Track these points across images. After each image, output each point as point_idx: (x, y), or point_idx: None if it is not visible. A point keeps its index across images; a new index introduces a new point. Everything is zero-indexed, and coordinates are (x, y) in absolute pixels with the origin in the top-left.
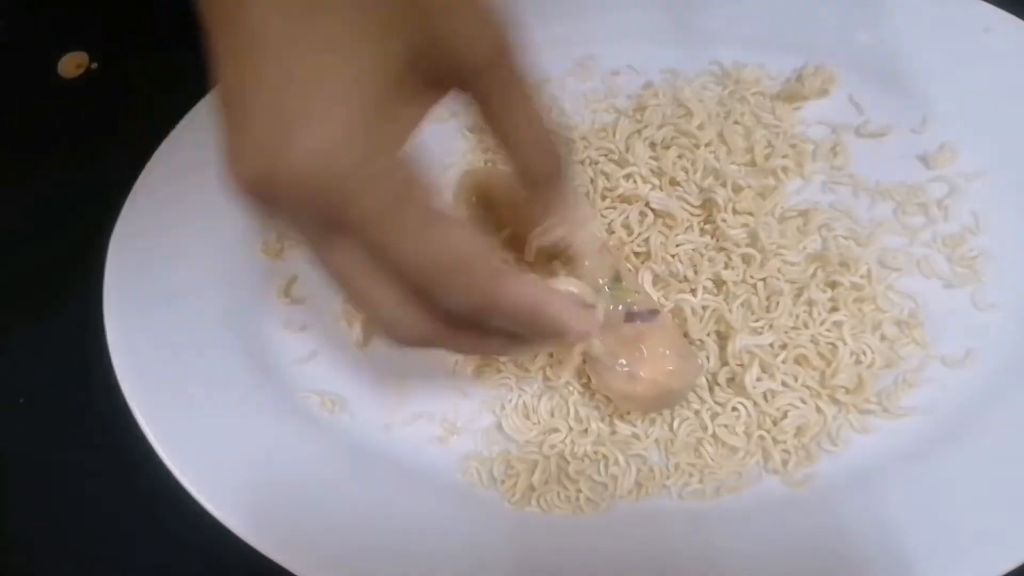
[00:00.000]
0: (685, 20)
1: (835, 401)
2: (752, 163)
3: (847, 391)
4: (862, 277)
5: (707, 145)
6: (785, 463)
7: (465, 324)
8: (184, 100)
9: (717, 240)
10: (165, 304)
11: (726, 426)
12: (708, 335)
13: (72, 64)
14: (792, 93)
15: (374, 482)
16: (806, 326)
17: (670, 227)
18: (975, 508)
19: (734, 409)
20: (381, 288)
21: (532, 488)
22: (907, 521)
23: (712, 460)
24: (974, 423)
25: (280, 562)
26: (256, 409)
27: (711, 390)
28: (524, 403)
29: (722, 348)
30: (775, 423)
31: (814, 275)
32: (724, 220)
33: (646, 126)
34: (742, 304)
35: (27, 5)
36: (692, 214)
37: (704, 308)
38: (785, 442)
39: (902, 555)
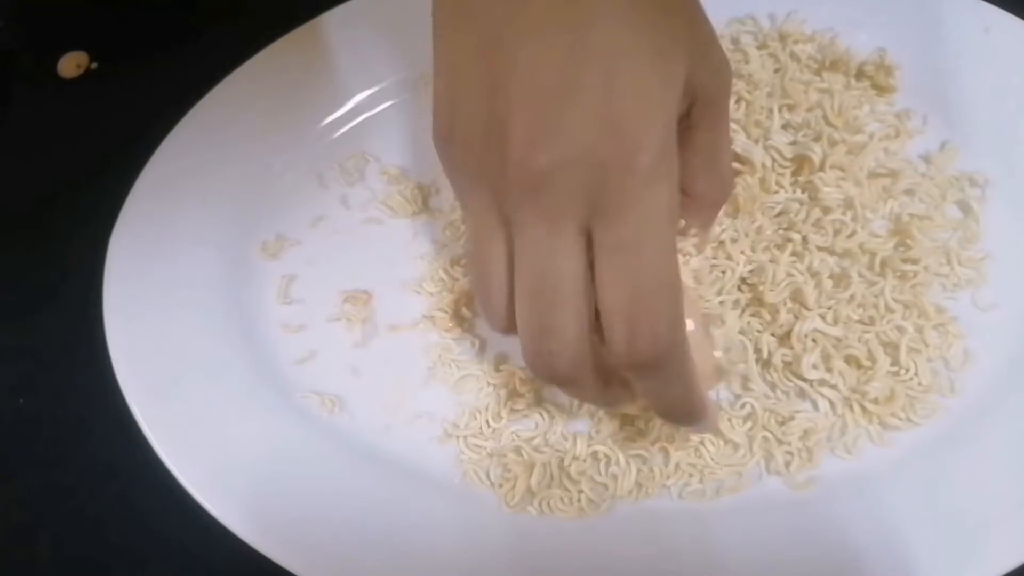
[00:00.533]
0: None
1: (864, 410)
2: (827, 120)
3: (877, 402)
4: (925, 268)
5: (769, 94)
6: (788, 464)
7: (635, 370)
8: (184, 100)
9: (810, 199)
10: (165, 304)
11: (729, 420)
12: (784, 303)
13: (72, 64)
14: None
15: (374, 482)
16: (872, 322)
17: (758, 179)
18: (976, 509)
19: (742, 406)
20: (575, 301)
21: (531, 491)
22: (907, 522)
23: (713, 460)
24: (975, 424)
25: (279, 561)
26: (256, 409)
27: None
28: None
29: (770, 322)
30: (781, 424)
31: (896, 247)
32: (821, 179)
33: None
34: (818, 283)
35: (26, 5)
36: (781, 166)
37: (789, 275)
38: (790, 443)
39: (902, 555)
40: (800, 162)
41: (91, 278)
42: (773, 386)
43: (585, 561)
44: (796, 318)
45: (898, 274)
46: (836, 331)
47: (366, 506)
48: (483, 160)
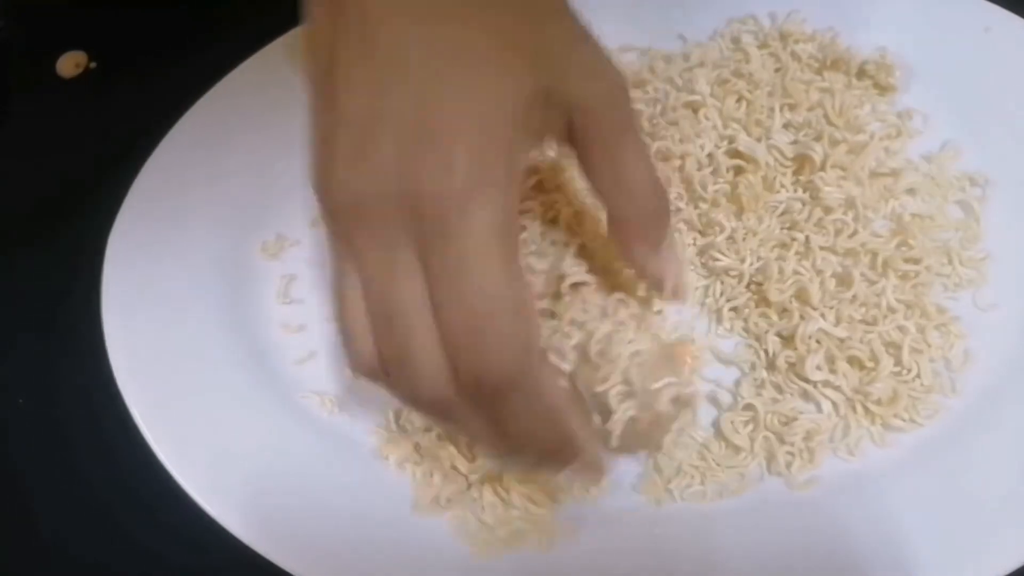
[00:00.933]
0: None
1: (867, 411)
2: (828, 119)
3: (879, 403)
4: (927, 268)
5: (770, 94)
6: (789, 465)
7: (480, 399)
8: (183, 99)
9: (812, 199)
10: (164, 304)
11: (732, 423)
12: (790, 302)
13: (71, 63)
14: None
15: (373, 483)
16: (875, 322)
17: (760, 177)
18: (976, 509)
19: (746, 407)
20: (422, 327)
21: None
22: (908, 522)
23: (715, 463)
24: (975, 424)
25: (277, 562)
26: (255, 409)
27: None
28: None
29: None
30: (784, 424)
31: (897, 247)
32: (822, 178)
33: (701, 64)
34: (822, 282)
35: (25, 4)
36: (783, 165)
37: (796, 273)
38: (792, 444)
39: (903, 556)
40: (801, 161)
41: (90, 278)
42: (779, 387)
43: (586, 561)
44: (801, 318)
45: (899, 274)
46: (840, 332)
47: (366, 506)
48: (320, 189)
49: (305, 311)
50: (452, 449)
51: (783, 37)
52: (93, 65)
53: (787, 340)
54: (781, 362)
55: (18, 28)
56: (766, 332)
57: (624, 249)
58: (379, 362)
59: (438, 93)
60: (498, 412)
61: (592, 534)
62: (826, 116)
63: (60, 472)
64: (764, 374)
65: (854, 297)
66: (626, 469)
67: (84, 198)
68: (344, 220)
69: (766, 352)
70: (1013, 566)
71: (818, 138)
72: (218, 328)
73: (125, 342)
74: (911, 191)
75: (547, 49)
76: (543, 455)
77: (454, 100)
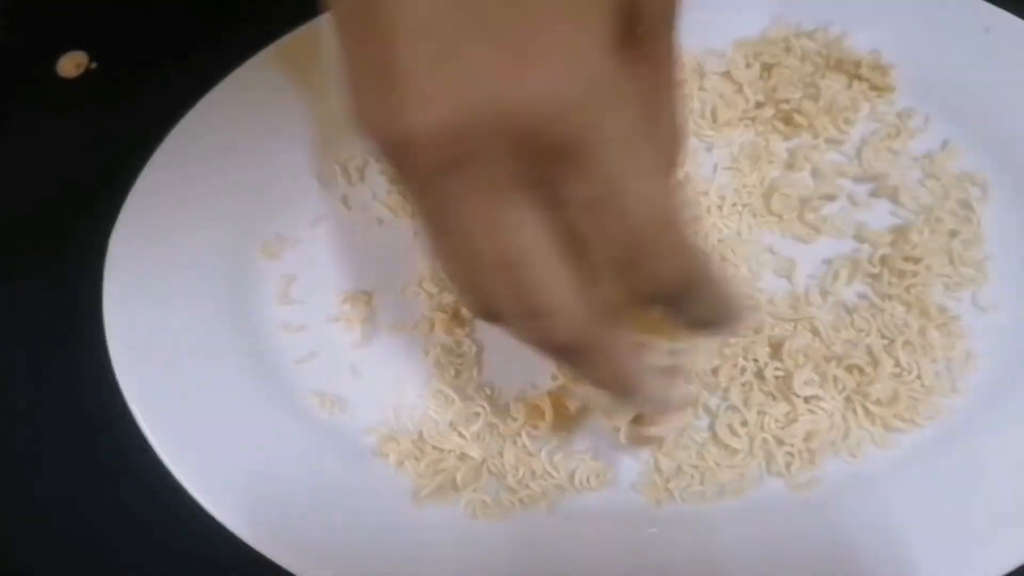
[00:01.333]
0: None
1: (867, 412)
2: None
3: (879, 403)
4: (927, 268)
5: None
6: (788, 466)
7: (636, 316)
8: (184, 100)
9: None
10: (165, 305)
11: (729, 426)
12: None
13: (71, 64)
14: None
15: (373, 483)
16: (874, 319)
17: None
18: (977, 509)
19: (735, 410)
20: (552, 274)
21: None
22: (908, 522)
23: (715, 463)
24: (975, 424)
25: (279, 562)
26: (255, 408)
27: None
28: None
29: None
30: (782, 427)
31: (894, 244)
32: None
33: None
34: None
35: (26, 4)
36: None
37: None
38: (791, 445)
39: (903, 556)
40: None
41: (91, 278)
42: (771, 395)
43: (586, 562)
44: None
45: (897, 273)
46: (830, 346)
47: (366, 507)
48: (387, 134)
49: (305, 311)
50: (456, 439)
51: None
52: (94, 66)
53: (775, 350)
54: (770, 374)
55: (18, 28)
56: (753, 343)
57: None
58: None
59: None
60: (687, 313)
61: (591, 534)
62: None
63: (60, 472)
64: (752, 380)
65: (854, 305)
66: (627, 468)
67: (85, 199)
68: (431, 166)
69: (756, 361)
70: (1013, 566)
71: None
72: (219, 328)
73: (126, 342)
74: (911, 191)
75: None
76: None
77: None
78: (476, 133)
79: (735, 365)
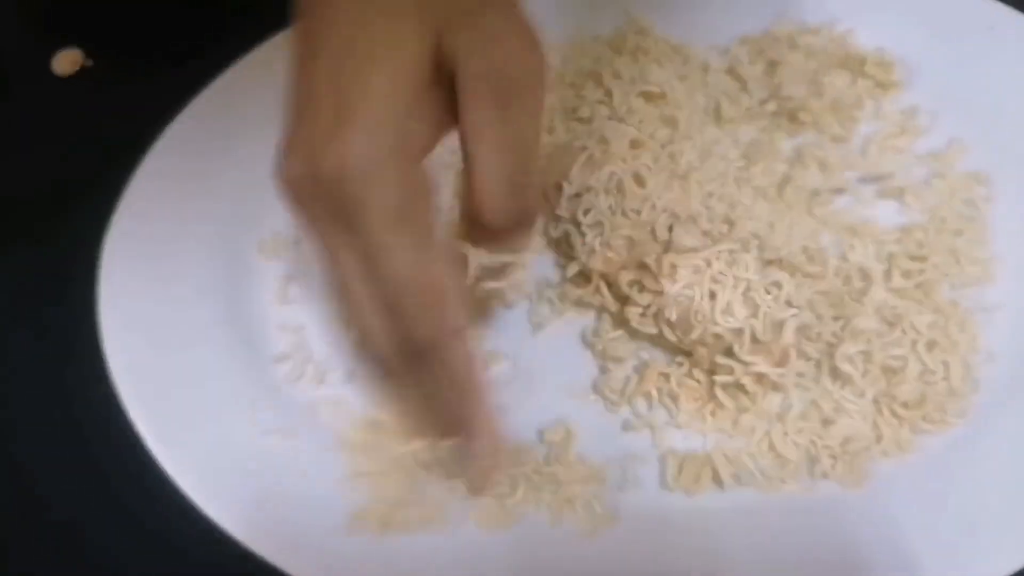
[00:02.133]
0: None
1: (894, 414)
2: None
3: (907, 406)
4: (935, 266)
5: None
6: (833, 467)
7: (414, 360)
8: (180, 97)
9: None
10: (161, 304)
11: (786, 434)
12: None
13: (67, 61)
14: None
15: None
16: (899, 320)
17: None
18: (977, 510)
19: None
20: (367, 295)
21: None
22: (909, 522)
23: (762, 475)
24: (975, 424)
25: (277, 563)
26: (252, 408)
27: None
28: None
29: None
30: (824, 426)
31: (899, 243)
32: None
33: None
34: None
35: (21, 1)
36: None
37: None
38: (832, 448)
39: (904, 556)
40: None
41: (87, 277)
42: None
43: (586, 563)
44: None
45: (904, 272)
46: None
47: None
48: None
49: (304, 311)
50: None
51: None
52: (89, 63)
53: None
54: (827, 333)
55: (13, 26)
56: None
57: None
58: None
59: (343, 67)
60: (420, 373)
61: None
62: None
63: (60, 471)
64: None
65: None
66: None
67: (81, 197)
68: (292, 200)
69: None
70: (1014, 567)
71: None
72: (215, 327)
73: (122, 343)
74: (917, 190)
75: (455, 8)
76: (447, 426)
77: (354, 74)
78: (304, 186)
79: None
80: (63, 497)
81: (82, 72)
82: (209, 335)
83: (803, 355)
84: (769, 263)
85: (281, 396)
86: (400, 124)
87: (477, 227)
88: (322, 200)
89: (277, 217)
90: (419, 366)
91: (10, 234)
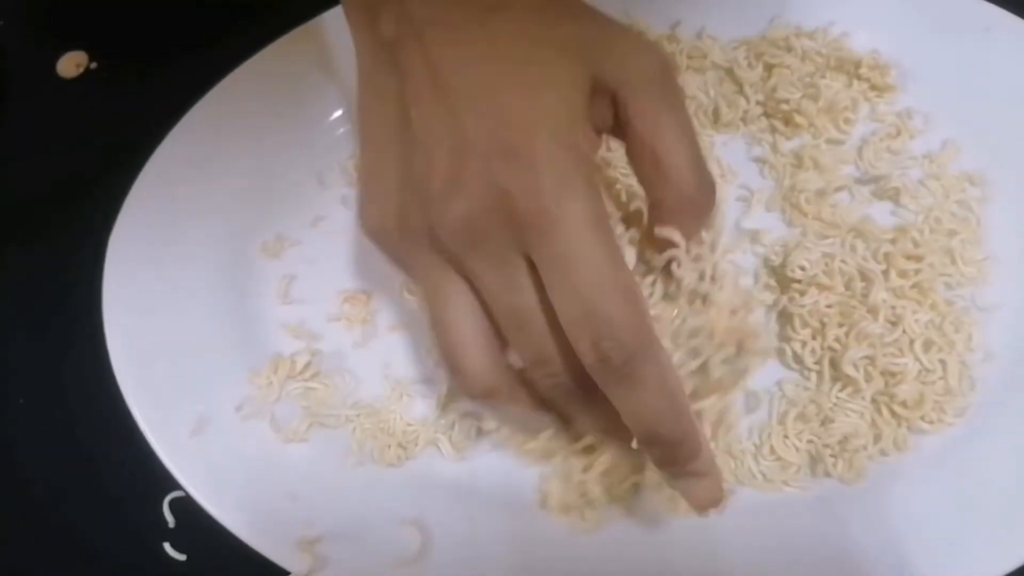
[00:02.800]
0: None
1: (893, 414)
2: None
3: (906, 405)
4: (931, 266)
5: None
6: (834, 465)
7: (610, 378)
8: (184, 100)
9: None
10: (164, 304)
11: (787, 437)
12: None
13: (71, 64)
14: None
15: (373, 484)
16: (899, 320)
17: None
18: (977, 509)
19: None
20: (551, 324)
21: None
22: (908, 522)
23: (765, 477)
24: (974, 424)
25: (279, 562)
26: (254, 409)
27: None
28: None
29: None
30: (822, 424)
31: (894, 243)
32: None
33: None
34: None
35: (26, 4)
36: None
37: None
38: (832, 447)
39: (903, 556)
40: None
41: (91, 278)
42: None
43: (586, 564)
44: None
45: (900, 272)
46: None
47: (366, 507)
48: (416, 231)
49: (305, 311)
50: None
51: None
52: (94, 66)
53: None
54: (831, 339)
55: (18, 28)
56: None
57: (672, 225)
58: (502, 375)
59: (506, 108)
60: (627, 390)
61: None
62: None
63: (62, 471)
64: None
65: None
66: None
67: (85, 198)
68: (454, 244)
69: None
70: (1013, 566)
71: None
72: (218, 327)
73: (125, 342)
74: (912, 191)
75: (588, 40)
76: (667, 438)
77: (520, 112)
78: (483, 219)
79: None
80: (63, 497)
81: (87, 74)
82: (211, 335)
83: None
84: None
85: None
86: (576, 143)
87: (660, 214)
88: (507, 228)
89: (280, 218)
90: (625, 379)
91: (14, 235)
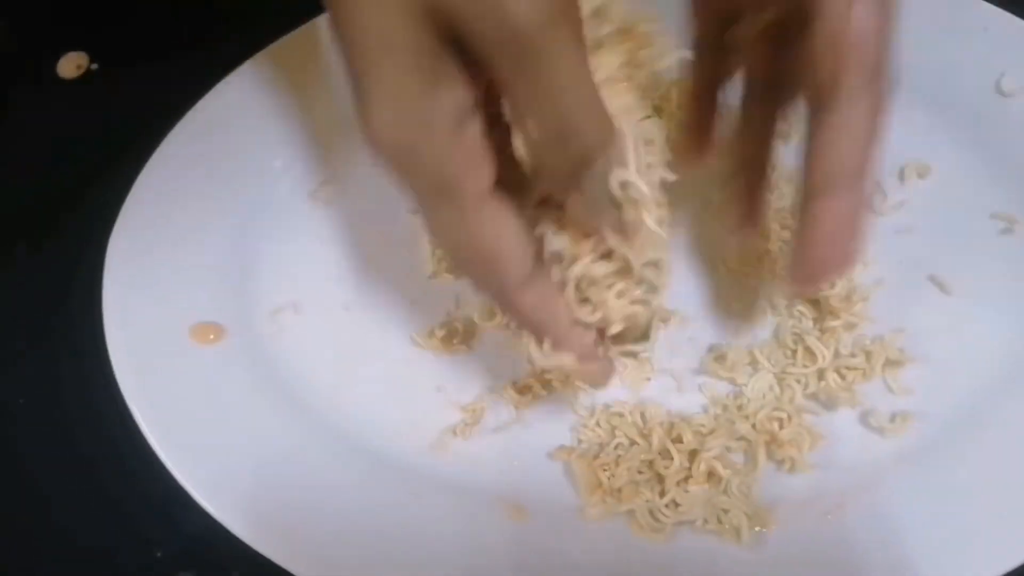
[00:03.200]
0: None
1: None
2: None
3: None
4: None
5: None
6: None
7: (580, 170)
8: (184, 100)
9: None
10: (164, 304)
11: (729, 448)
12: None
13: (71, 64)
14: None
15: (374, 484)
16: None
17: None
18: (976, 509)
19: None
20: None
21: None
22: (908, 522)
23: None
24: (973, 424)
25: (278, 561)
26: (257, 409)
27: None
28: None
29: None
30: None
31: None
32: None
33: None
34: None
35: (26, 5)
36: None
37: None
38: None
39: (903, 556)
40: None
41: (91, 278)
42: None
43: (586, 566)
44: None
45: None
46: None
47: (367, 508)
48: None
49: (305, 310)
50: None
51: None
52: (94, 66)
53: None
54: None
55: (18, 29)
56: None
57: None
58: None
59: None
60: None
61: (593, 539)
62: None
63: (62, 471)
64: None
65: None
66: None
67: (85, 199)
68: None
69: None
70: (1013, 566)
71: None
72: (218, 328)
73: (125, 342)
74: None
75: None
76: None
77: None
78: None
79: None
80: (62, 497)
81: (87, 75)
82: (213, 337)
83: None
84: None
85: (283, 395)
86: (414, 89)
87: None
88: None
89: (279, 218)
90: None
91: (14, 235)
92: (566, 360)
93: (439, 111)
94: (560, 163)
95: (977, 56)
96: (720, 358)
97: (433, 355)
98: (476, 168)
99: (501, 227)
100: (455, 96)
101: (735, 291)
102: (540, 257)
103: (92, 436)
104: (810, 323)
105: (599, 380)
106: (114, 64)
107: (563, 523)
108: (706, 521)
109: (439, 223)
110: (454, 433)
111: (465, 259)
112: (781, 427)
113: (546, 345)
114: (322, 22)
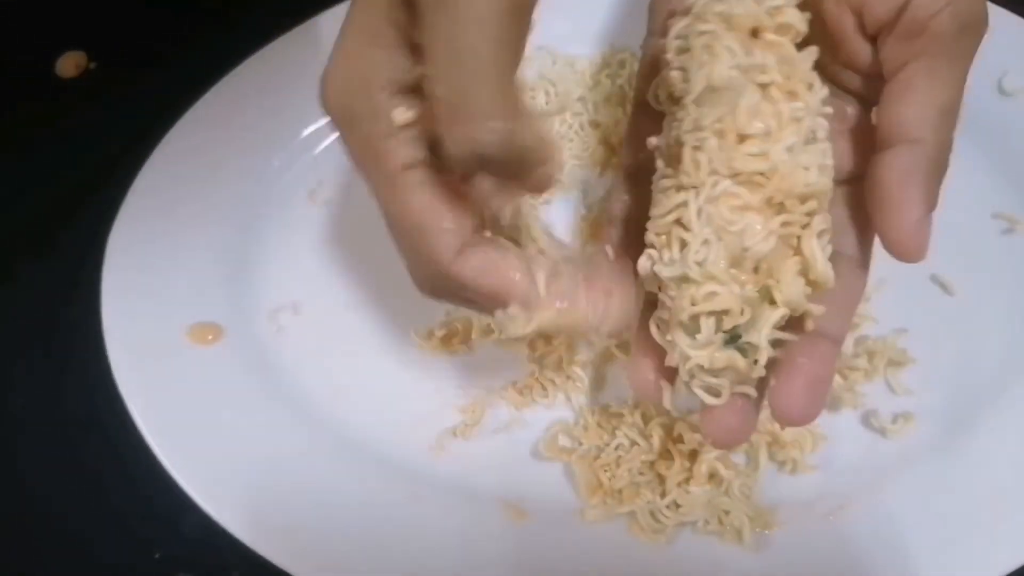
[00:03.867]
0: None
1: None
2: None
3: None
4: None
5: None
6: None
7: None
8: (183, 99)
9: None
10: (163, 304)
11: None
12: None
13: (71, 64)
14: None
15: (374, 485)
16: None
17: None
18: (976, 509)
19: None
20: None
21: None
22: (908, 522)
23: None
24: (975, 425)
25: (278, 562)
26: (254, 409)
27: None
28: None
29: None
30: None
31: None
32: None
33: None
34: None
35: (25, 4)
36: None
37: None
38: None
39: (905, 557)
40: None
41: (90, 278)
42: None
43: (586, 567)
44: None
45: None
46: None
47: (366, 509)
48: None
49: (305, 312)
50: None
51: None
52: (93, 65)
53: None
54: None
55: (17, 29)
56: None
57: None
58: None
59: None
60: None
61: (593, 539)
62: None
63: (62, 472)
64: None
65: None
66: None
67: (83, 199)
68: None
69: None
70: (1013, 566)
71: None
72: (217, 328)
73: (124, 344)
74: None
75: None
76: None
77: None
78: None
79: None
80: (63, 500)
81: (86, 74)
82: (211, 337)
83: None
84: None
85: (283, 396)
86: (358, 50)
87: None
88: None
89: (279, 218)
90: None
91: (14, 236)
92: (547, 315)
93: (376, 74)
94: (454, 138)
95: (978, 55)
96: None
97: (433, 355)
98: (408, 141)
99: (430, 197)
100: (394, 62)
101: None
102: (489, 227)
103: (92, 437)
104: None
105: (616, 320)
106: (113, 64)
107: (563, 524)
108: (707, 522)
109: (374, 192)
110: (454, 434)
111: (396, 230)
112: (783, 428)
113: (513, 308)
114: (321, 22)
